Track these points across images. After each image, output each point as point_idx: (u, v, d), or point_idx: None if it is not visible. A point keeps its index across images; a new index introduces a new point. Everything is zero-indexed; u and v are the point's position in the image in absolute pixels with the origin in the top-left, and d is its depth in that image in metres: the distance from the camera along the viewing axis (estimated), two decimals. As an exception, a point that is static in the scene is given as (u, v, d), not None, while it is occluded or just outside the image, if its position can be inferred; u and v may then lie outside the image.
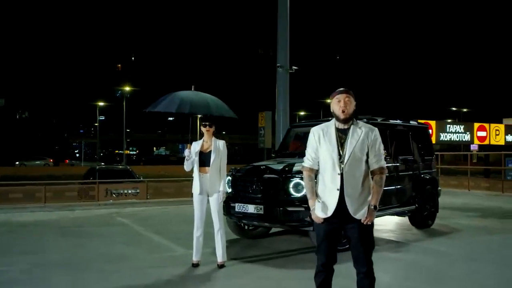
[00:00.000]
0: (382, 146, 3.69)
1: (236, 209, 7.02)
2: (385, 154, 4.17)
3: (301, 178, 6.37)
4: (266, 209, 6.69)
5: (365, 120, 7.23)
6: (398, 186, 8.06)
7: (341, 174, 3.52)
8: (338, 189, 3.52)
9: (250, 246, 7.31)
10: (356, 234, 3.58)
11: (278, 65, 12.49)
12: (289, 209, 6.52)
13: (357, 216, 3.53)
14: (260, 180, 6.94)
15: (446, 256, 6.69)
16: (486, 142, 22.67)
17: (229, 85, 71.41)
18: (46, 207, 12.20)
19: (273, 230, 8.15)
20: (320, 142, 3.65)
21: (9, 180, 17.29)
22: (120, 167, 21.84)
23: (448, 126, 21.71)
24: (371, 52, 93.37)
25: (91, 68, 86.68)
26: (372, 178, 3.64)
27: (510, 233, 8.68)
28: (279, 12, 12.73)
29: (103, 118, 73.79)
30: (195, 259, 5.99)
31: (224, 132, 67.52)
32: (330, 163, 3.57)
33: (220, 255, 5.92)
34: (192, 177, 5.96)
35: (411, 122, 9.11)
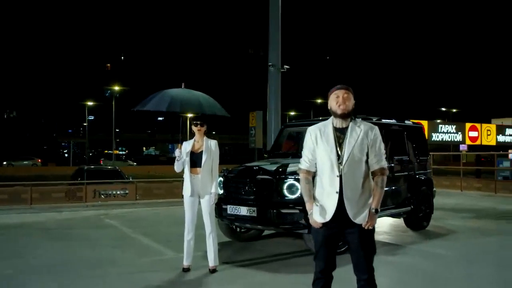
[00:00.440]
0: (382, 145, 3.50)
1: (228, 211, 6.82)
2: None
3: (296, 179, 6.21)
4: (259, 211, 6.49)
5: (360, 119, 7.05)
6: (394, 187, 7.93)
7: (340, 176, 3.32)
8: (337, 192, 3.32)
9: (242, 250, 7.12)
10: (356, 240, 3.39)
11: (269, 64, 12.37)
12: (283, 211, 6.31)
13: (357, 221, 3.34)
14: (253, 181, 6.74)
15: (443, 258, 6.60)
16: (478, 142, 22.69)
17: (219, 85, 71.03)
18: (33, 208, 11.93)
19: (266, 232, 7.98)
20: (317, 142, 3.45)
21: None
22: (109, 167, 21.51)
23: (440, 126, 21.72)
24: (361, 53, 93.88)
25: (80, 67, 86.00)
26: (373, 179, 3.45)
27: (506, 235, 8.64)
28: (271, 11, 12.61)
29: (92, 117, 73.05)
30: (186, 263, 5.79)
31: (214, 132, 67.25)
32: (328, 165, 3.37)
33: (212, 259, 5.73)
34: (183, 177, 5.76)
35: (406, 122, 9.00)
